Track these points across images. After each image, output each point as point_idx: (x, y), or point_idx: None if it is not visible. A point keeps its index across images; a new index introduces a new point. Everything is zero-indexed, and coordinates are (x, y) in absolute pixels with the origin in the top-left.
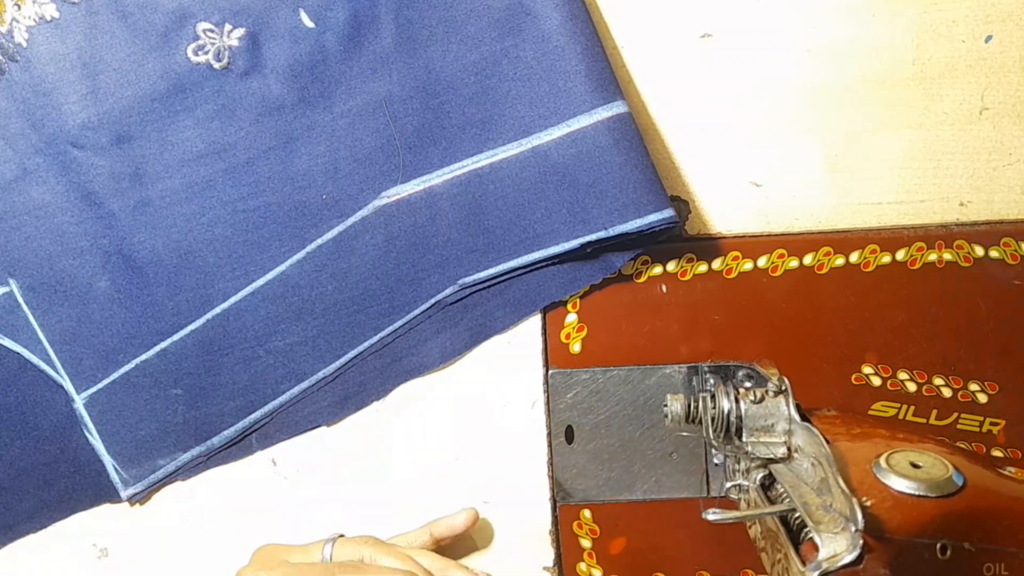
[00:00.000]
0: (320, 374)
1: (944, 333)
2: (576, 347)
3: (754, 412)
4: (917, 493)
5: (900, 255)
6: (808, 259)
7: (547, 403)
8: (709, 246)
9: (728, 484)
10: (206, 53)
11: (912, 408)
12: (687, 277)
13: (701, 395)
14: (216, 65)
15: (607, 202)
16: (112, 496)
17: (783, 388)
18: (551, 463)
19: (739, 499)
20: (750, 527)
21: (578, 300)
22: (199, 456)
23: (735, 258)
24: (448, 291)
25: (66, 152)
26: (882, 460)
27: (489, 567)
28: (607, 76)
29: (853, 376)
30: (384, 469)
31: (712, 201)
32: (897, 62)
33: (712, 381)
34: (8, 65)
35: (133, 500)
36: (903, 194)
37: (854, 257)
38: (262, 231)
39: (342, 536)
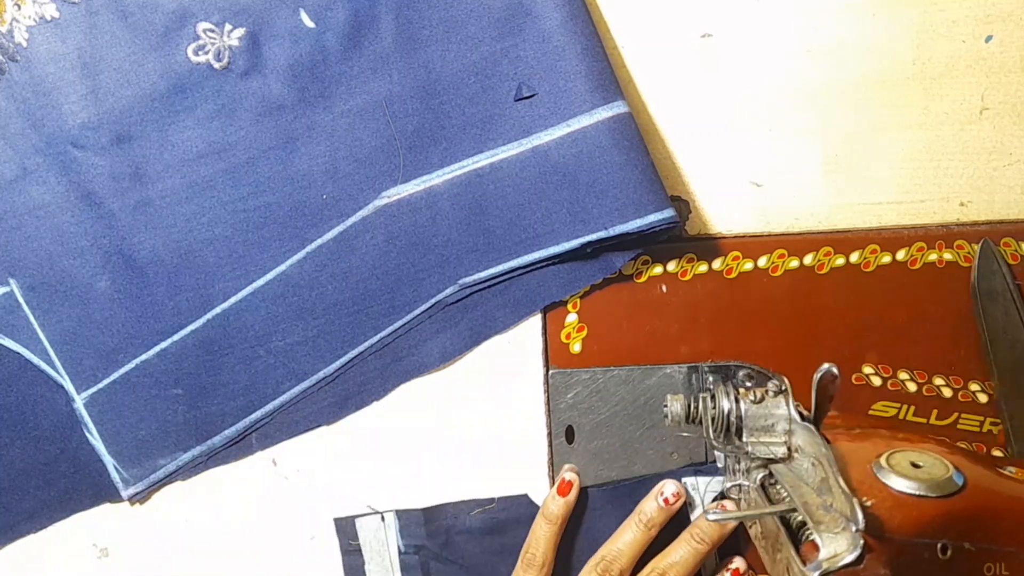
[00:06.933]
0: (320, 374)
1: (944, 333)
2: (576, 347)
3: (754, 412)
4: (917, 493)
5: (900, 255)
6: (808, 259)
7: (547, 403)
8: (709, 246)
9: (728, 484)
10: (206, 53)
11: (912, 408)
12: (687, 277)
13: (701, 395)
14: (216, 65)
15: (607, 202)
16: (112, 496)
17: (783, 388)
18: (551, 463)
19: (739, 499)
20: (750, 527)
21: (578, 300)
22: (200, 456)
23: (735, 258)
24: (448, 291)
25: (66, 152)
26: (882, 460)
27: None
28: (607, 76)
29: (853, 376)
30: (384, 469)
31: (712, 201)
32: (897, 62)
33: (712, 381)
34: (8, 65)
35: (133, 500)
36: (903, 194)
37: (854, 257)
38: (262, 231)
39: None
